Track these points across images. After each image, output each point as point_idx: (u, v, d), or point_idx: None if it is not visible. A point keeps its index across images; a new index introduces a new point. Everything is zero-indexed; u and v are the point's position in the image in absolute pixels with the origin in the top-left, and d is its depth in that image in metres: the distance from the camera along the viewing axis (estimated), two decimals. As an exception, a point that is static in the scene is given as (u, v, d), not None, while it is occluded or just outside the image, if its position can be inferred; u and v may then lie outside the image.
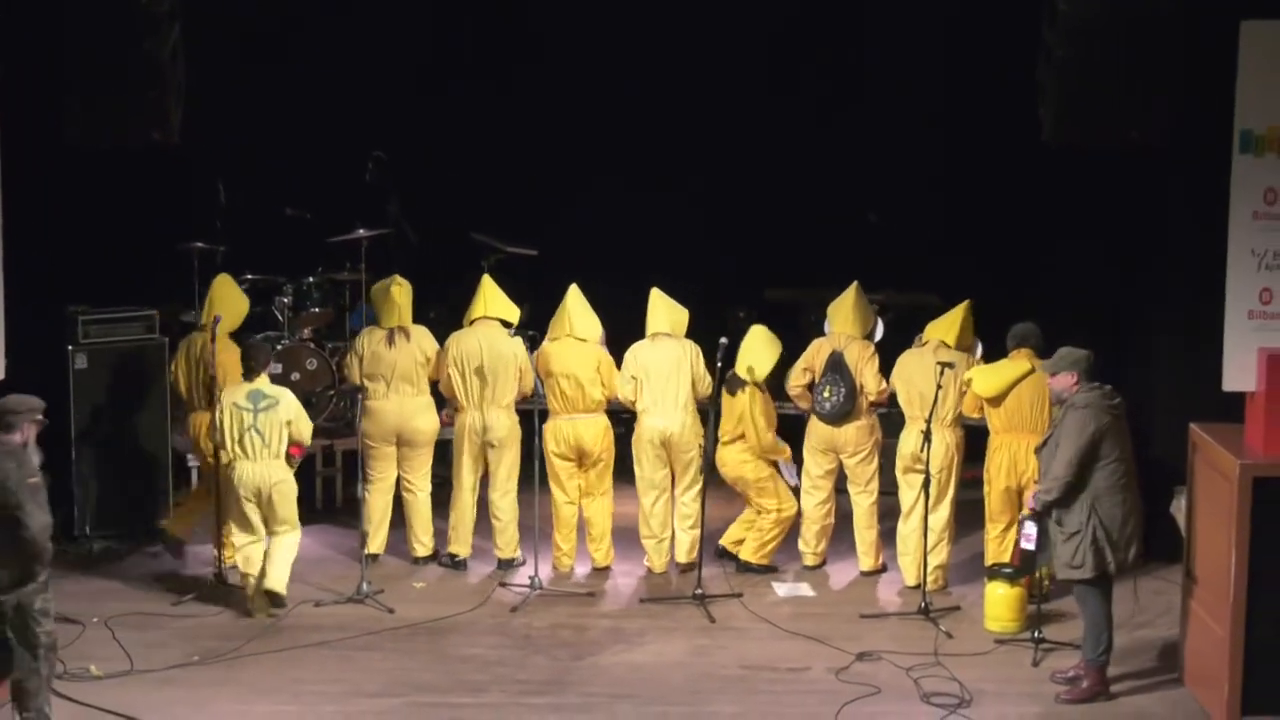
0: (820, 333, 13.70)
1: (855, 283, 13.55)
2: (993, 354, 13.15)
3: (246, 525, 12.81)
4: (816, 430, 13.43)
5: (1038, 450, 11.68)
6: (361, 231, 15.25)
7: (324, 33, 15.69)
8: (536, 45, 16.19)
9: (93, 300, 14.37)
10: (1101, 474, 11.22)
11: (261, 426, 12.67)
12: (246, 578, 12.83)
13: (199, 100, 13.57)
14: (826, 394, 13.28)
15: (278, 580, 12.70)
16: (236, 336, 13.61)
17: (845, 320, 13.45)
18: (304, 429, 12.86)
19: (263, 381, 12.84)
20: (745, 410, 13.27)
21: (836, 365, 13.26)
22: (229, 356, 13.27)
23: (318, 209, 15.62)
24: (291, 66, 15.67)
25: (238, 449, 12.69)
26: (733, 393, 13.34)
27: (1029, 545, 11.49)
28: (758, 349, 13.36)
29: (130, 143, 13.39)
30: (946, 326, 13.25)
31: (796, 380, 13.48)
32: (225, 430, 12.70)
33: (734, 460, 13.41)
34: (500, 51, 16.18)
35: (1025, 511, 11.61)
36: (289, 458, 12.83)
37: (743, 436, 13.35)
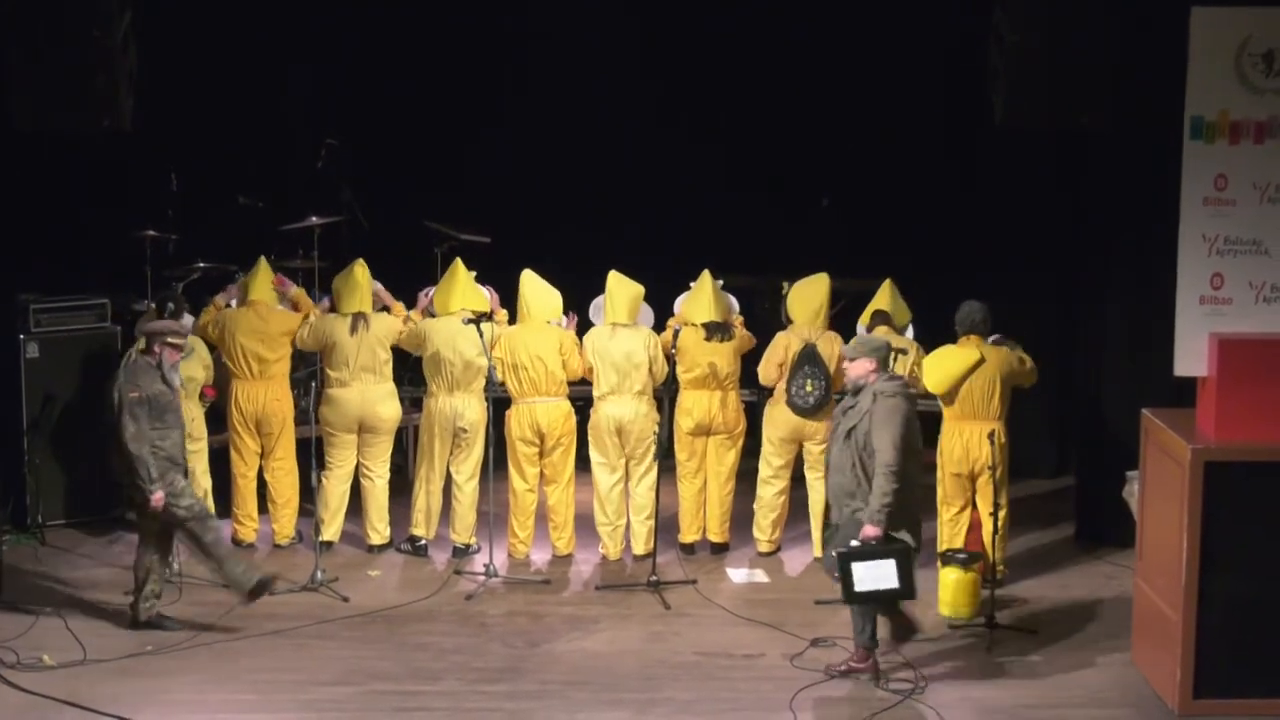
0: (776, 321, 13.73)
1: (825, 275, 13.57)
2: (940, 339, 13.19)
3: None
4: (785, 421, 13.41)
5: (845, 437, 11.52)
6: (314, 219, 15.24)
7: (276, 20, 15.61)
8: (492, 28, 16.15)
9: (44, 289, 14.33)
10: (907, 462, 11.21)
11: (181, 373, 13.01)
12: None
13: (151, 87, 13.51)
14: (809, 388, 13.25)
15: None
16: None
17: (817, 313, 13.46)
18: (212, 374, 13.63)
19: None
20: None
21: (813, 358, 13.25)
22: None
23: (270, 197, 15.58)
24: (244, 53, 15.58)
25: None
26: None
27: (877, 583, 11.17)
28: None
29: (81, 130, 13.35)
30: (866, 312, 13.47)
31: (774, 375, 13.46)
32: None
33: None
34: (456, 37, 16.12)
35: (854, 544, 11.21)
36: (202, 397, 13.46)
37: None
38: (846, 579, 11.09)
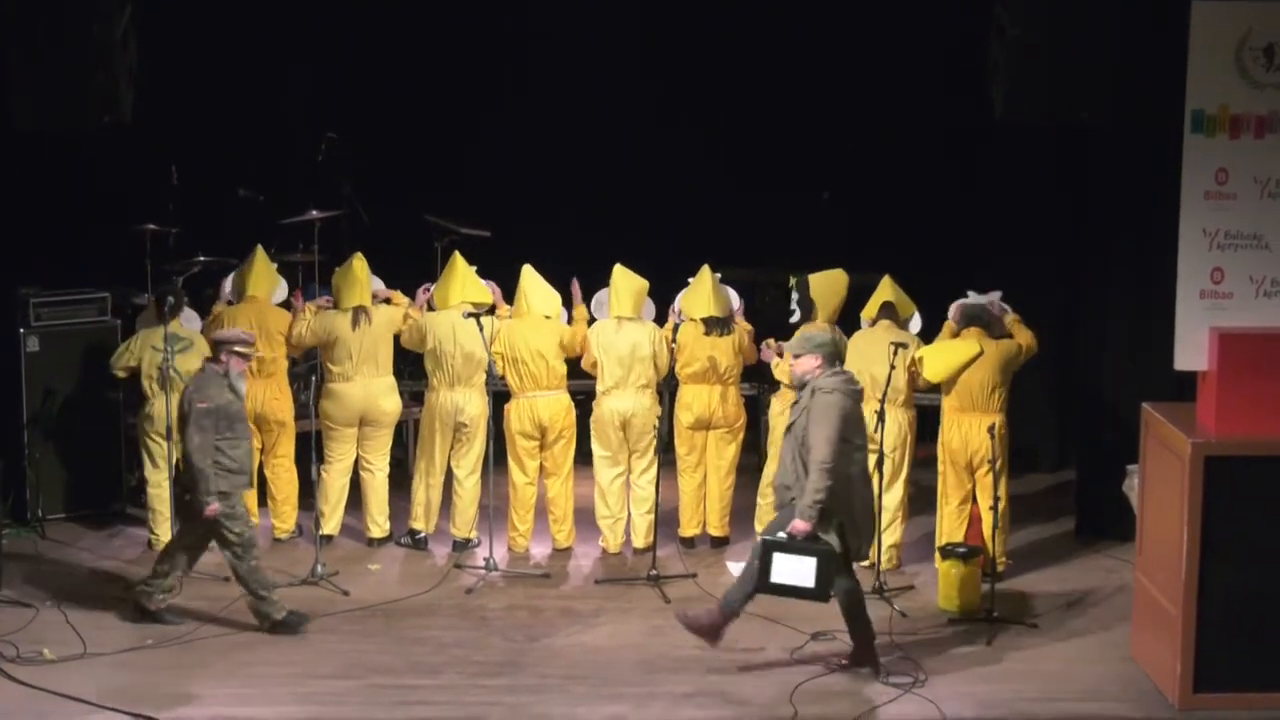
0: (778, 315, 13.73)
1: (842, 270, 13.57)
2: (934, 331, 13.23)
3: (156, 462, 13.38)
4: None
5: (786, 432, 11.56)
6: (314, 213, 15.25)
7: (276, 14, 15.60)
8: (492, 28, 16.15)
9: (44, 283, 14.33)
10: (845, 459, 11.18)
11: (180, 366, 13.13)
12: (156, 514, 13.48)
13: (151, 82, 13.51)
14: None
15: None
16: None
17: (839, 308, 13.49)
18: None
19: (176, 325, 13.31)
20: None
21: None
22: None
23: (270, 190, 15.59)
24: (244, 49, 15.58)
25: (155, 387, 13.29)
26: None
27: (793, 578, 11.12)
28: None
29: (82, 125, 13.34)
30: (869, 305, 13.48)
31: None
32: (143, 370, 13.32)
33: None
34: (455, 37, 16.11)
35: (781, 535, 11.20)
36: None
37: None
38: (765, 567, 11.12)
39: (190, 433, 11.86)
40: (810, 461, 11.09)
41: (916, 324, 13.51)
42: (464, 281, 13.61)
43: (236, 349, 12.08)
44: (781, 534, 11.14)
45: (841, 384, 11.28)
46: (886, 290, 13.46)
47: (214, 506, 11.86)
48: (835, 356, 11.45)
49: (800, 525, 11.09)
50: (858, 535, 11.31)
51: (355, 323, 13.51)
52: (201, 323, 13.78)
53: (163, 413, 13.12)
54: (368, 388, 13.58)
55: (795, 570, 11.06)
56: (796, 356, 11.48)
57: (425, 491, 13.69)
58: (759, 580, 11.21)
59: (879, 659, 11.48)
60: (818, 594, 11.16)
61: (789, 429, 11.40)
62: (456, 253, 13.87)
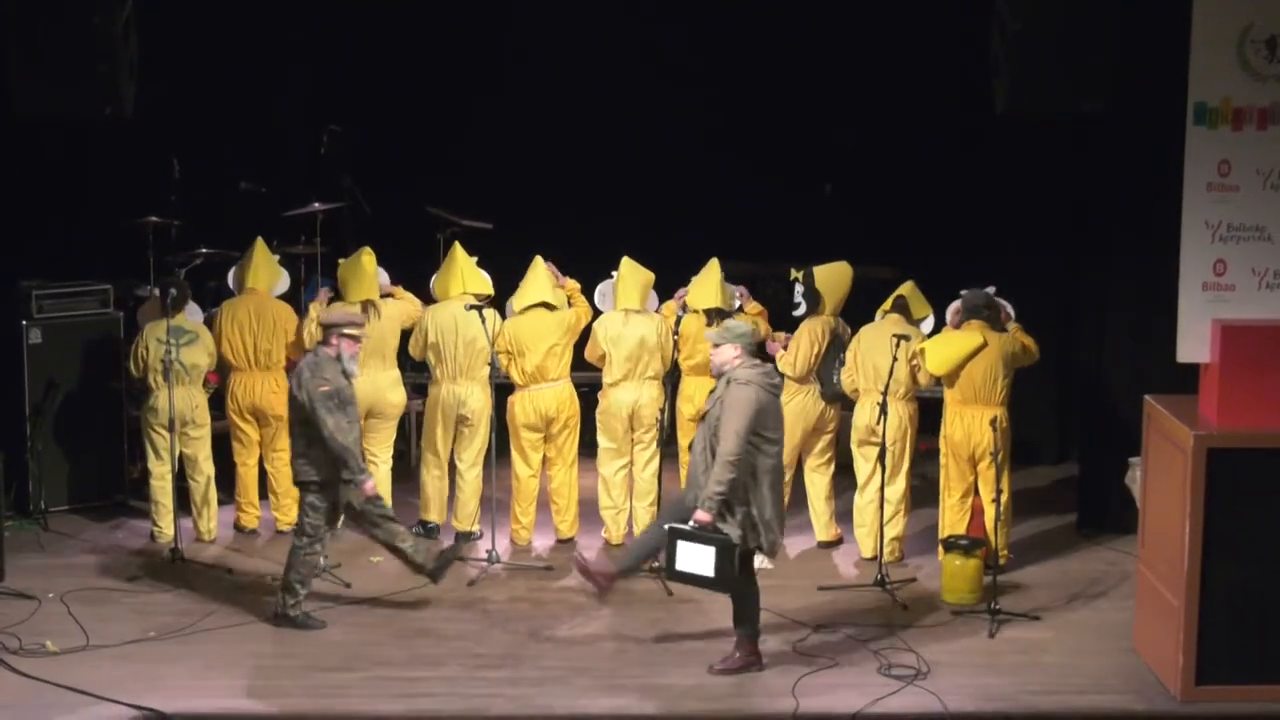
0: (781, 308, 13.75)
1: (846, 263, 13.58)
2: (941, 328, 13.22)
3: (160, 454, 13.39)
4: (815, 411, 13.40)
5: (700, 420, 11.58)
6: (316, 205, 15.24)
7: (276, 10, 15.60)
8: (492, 28, 16.15)
9: (47, 275, 14.33)
10: (759, 453, 11.17)
11: (184, 359, 13.23)
12: (159, 506, 13.52)
13: (153, 74, 13.51)
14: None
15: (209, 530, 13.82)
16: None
17: (843, 300, 13.51)
18: (215, 360, 13.62)
19: (181, 318, 13.33)
20: None
21: (845, 345, 13.31)
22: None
23: (272, 183, 15.59)
24: (246, 40, 15.58)
25: (159, 379, 13.27)
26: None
27: (694, 567, 11.20)
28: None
29: (83, 117, 13.34)
30: (889, 301, 13.47)
31: (809, 366, 13.43)
32: (148, 363, 13.33)
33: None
34: (456, 36, 16.11)
35: (690, 524, 11.23)
36: (206, 384, 13.53)
37: None
38: (670, 555, 11.21)
39: (322, 417, 11.80)
40: (717, 453, 11.11)
41: (928, 326, 13.49)
42: (465, 272, 13.60)
43: (346, 331, 12.06)
44: (692, 522, 11.19)
45: (758, 377, 11.25)
46: (905, 288, 13.44)
47: (370, 483, 11.95)
48: (755, 349, 11.49)
49: (700, 515, 11.12)
50: (764, 532, 11.25)
51: (364, 316, 13.50)
52: (203, 315, 13.80)
53: (166, 405, 13.13)
54: (375, 381, 13.56)
55: (697, 559, 11.14)
56: (716, 346, 11.45)
57: (433, 484, 13.70)
58: (666, 567, 11.33)
59: (759, 659, 11.45)
60: (717, 584, 11.22)
61: (703, 418, 11.40)
62: (457, 243, 13.87)
